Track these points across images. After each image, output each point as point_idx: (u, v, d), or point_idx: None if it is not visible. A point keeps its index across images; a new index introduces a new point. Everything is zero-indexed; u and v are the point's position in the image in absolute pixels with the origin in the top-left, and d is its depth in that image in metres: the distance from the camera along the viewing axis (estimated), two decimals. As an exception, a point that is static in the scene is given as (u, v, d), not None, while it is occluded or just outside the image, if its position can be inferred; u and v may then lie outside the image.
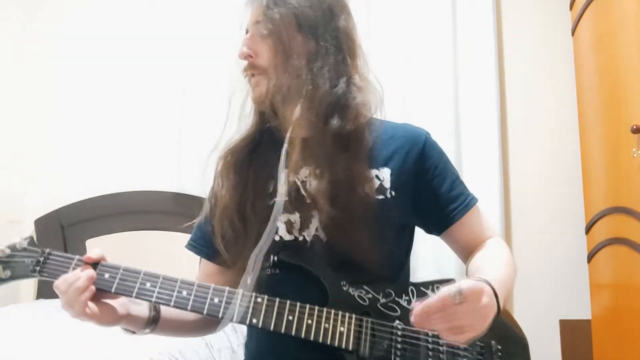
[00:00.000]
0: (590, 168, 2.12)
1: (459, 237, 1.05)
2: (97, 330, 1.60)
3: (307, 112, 0.96)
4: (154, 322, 0.97)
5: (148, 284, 0.90)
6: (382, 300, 0.93)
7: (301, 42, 0.99)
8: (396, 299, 0.93)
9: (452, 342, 0.83)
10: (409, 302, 0.93)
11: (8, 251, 0.92)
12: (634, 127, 1.67)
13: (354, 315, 0.90)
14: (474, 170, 2.28)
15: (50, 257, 0.92)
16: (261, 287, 0.94)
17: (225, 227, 1.02)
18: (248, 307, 0.89)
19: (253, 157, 1.05)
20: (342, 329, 0.88)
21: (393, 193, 0.99)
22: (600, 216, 2.00)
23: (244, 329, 1.93)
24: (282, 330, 0.88)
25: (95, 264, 0.91)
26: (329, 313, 0.89)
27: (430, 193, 1.03)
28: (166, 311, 0.98)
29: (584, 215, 2.14)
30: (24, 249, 0.93)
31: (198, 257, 1.14)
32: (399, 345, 0.89)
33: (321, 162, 0.95)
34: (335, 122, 0.97)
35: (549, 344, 2.23)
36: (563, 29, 2.30)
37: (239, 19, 1.07)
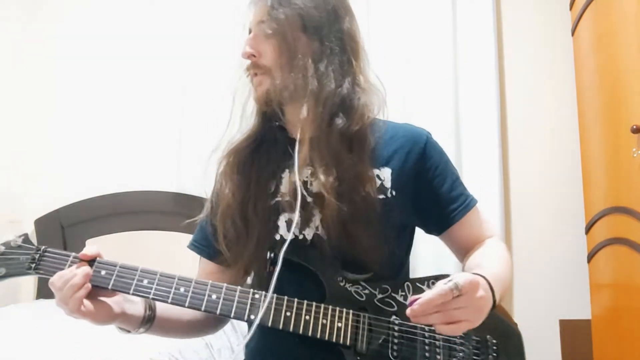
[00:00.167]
0: (590, 168, 2.12)
1: (459, 238, 1.06)
2: (97, 330, 1.60)
3: (313, 112, 0.96)
4: (149, 322, 0.97)
5: (145, 281, 0.89)
6: (379, 296, 0.94)
7: (306, 42, 1.00)
8: (392, 294, 0.94)
9: (448, 334, 0.84)
10: (405, 297, 0.94)
11: (2, 248, 0.92)
12: (634, 127, 1.67)
13: (351, 311, 0.91)
14: (474, 170, 2.28)
15: (46, 254, 0.92)
16: (261, 284, 0.94)
17: (227, 226, 1.02)
18: (246, 304, 0.89)
19: (255, 157, 1.05)
20: (339, 324, 0.89)
21: (394, 193, 0.99)
22: (600, 216, 2.00)
23: (244, 329, 1.94)
24: (280, 327, 0.88)
25: (91, 261, 0.90)
26: (326, 309, 0.90)
27: (431, 193, 1.03)
28: (161, 311, 0.98)
29: (584, 215, 2.14)
30: (19, 247, 0.92)
31: (198, 257, 1.14)
32: (395, 340, 0.90)
33: (327, 161, 0.96)
34: (340, 122, 0.98)
35: (549, 344, 2.23)
36: (563, 29, 2.30)
37: (241, 18, 1.07)
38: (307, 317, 0.89)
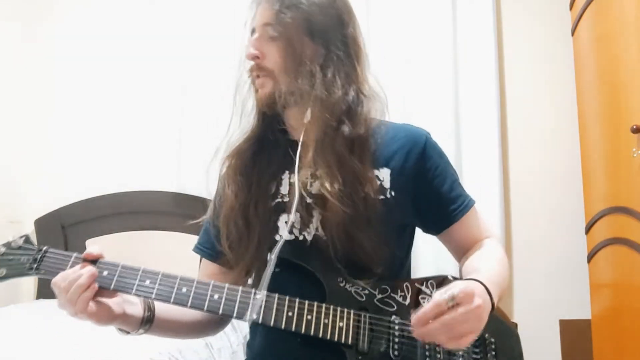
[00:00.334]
0: (590, 168, 2.12)
1: (457, 238, 1.07)
2: (97, 330, 1.60)
3: (320, 118, 0.97)
4: (148, 322, 0.97)
5: (147, 281, 0.89)
6: (379, 296, 0.94)
7: (311, 47, 1.00)
8: (392, 294, 0.95)
9: (455, 348, 0.87)
10: (404, 297, 0.95)
11: (3, 249, 0.92)
12: (634, 127, 1.67)
13: (352, 311, 0.91)
14: (474, 170, 2.28)
15: (47, 254, 0.92)
16: (262, 285, 0.94)
17: (230, 228, 1.03)
18: (247, 304, 0.89)
19: (257, 159, 1.06)
20: (341, 324, 0.90)
21: (393, 193, 1.00)
22: (600, 216, 2.00)
23: (244, 329, 1.94)
24: (282, 326, 0.88)
25: (93, 262, 0.90)
26: (327, 309, 0.90)
27: (431, 193, 1.04)
28: (161, 312, 0.98)
29: (584, 215, 2.14)
30: (20, 247, 0.92)
31: (198, 257, 1.14)
32: (396, 340, 0.91)
33: (331, 166, 0.97)
34: (346, 129, 0.99)
35: (549, 344, 2.24)
36: (563, 29, 2.30)
37: (243, 17, 1.08)
38: (309, 317, 0.89)
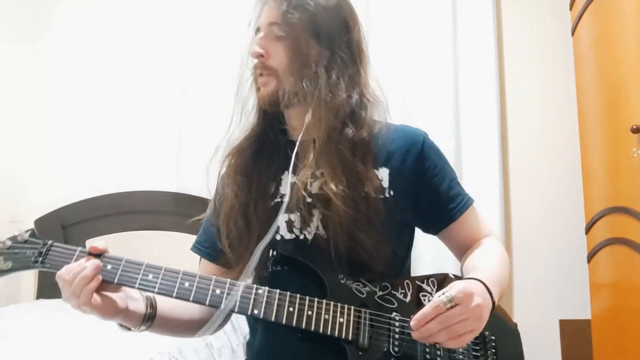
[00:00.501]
0: (590, 168, 2.12)
1: (456, 236, 1.08)
2: (97, 330, 1.60)
3: (322, 118, 0.98)
4: (150, 320, 0.97)
5: (150, 275, 0.90)
6: (379, 293, 0.95)
7: (317, 49, 1.01)
8: (392, 292, 0.96)
9: (455, 347, 0.88)
10: (405, 295, 0.96)
11: (9, 243, 0.93)
12: (634, 127, 1.67)
13: (352, 307, 0.92)
14: (474, 170, 2.28)
15: (53, 248, 0.93)
16: (263, 283, 0.95)
17: (230, 227, 1.04)
18: (249, 299, 0.90)
19: (257, 159, 1.07)
20: (341, 319, 0.90)
21: (392, 192, 1.01)
22: (600, 216, 2.00)
23: (244, 329, 1.94)
24: (284, 322, 0.89)
25: (98, 255, 0.92)
26: (328, 305, 0.91)
27: (430, 192, 1.04)
28: (163, 309, 0.99)
29: (584, 215, 2.14)
30: (26, 241, 0.93)
31: (198, 257, 1.14)
32: (397, 336, 0.91)
33: (333, 165, 0.98)
34: (350, 132, 1.00)
35: (549, 344, 2.24)
36: (563, 29, 2.30)
37: (244, 17, 1.08)
38: (310, 313, 0.90)
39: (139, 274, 0.90)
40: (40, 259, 0.92)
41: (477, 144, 2.32)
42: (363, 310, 0.92)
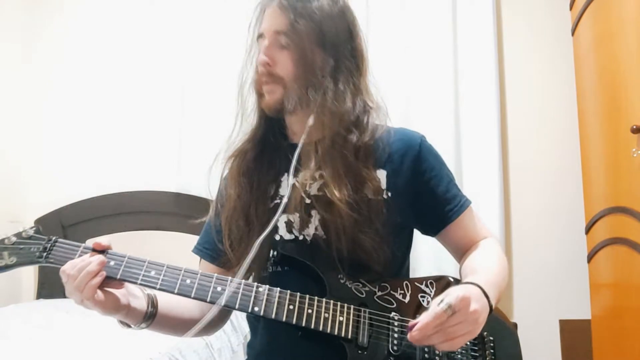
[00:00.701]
0: (590, 168, 2.12)
1: (454, 238, 1.08)
2: (96, 330, 1.60)
3: (327, 125, 0.99)
4: (150, 318, 0.98)
5: (153, 272, 0.92)
6: (379, 293, 0.96)
7: (322, 57, 1.02)
8: (392, 292, 0.97)
9: (449, 350, 0.90)
10: (404, 295, 0.97)
11: (14, 239, 0.95)
12: (634, 127, 1.67)
13: (352, 306, 0.93)
14: (474, 170, 2.29)
15: (57, 244, 0.94)
16: (263, 284, 0.95)
17: (231, 228, 1.05)
18: (250, 296, 0.91)
19: (258, 162, 1.08)
20: (341, 318, 0.91)
21: (389, 194, 1.02)
22: (600, 216, 2.00)
23: (244, 329, 1.94)
24: (283, 319, 0.90)
25: (101, 252, 0.93)
26: (327, 303, 0.92)
27: (427, 194, 1.05)
28: (163, 308, 1.00)
29: (584, 215, 2.14)
30: (30, 237, 0.95)
31: (198, 258, 1.14)
32: (396, 335, 0.92)
33: (338, 170, 0.99)
34: (353, 137, 1.01)
35: (549, 344, 2.24)
36: (563, 29, 2.30)
37: (243, 17, 1.09)
38: (310, 311, 0.91)
39: (141, 270, 0.92)
40: (45, 254, 0.93)
41: (477, 144, 2.32)
42: (362, 309, 0.93)
